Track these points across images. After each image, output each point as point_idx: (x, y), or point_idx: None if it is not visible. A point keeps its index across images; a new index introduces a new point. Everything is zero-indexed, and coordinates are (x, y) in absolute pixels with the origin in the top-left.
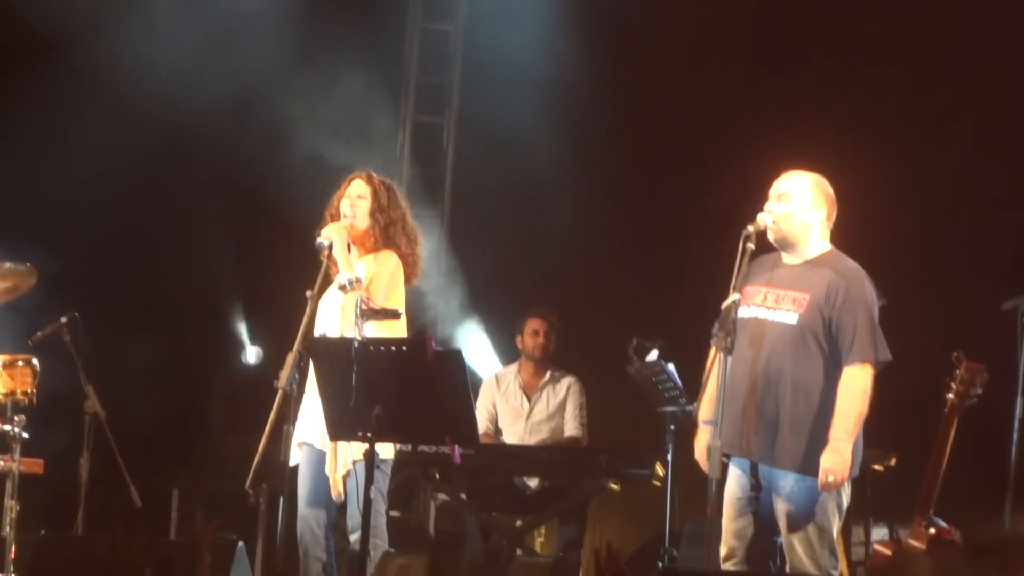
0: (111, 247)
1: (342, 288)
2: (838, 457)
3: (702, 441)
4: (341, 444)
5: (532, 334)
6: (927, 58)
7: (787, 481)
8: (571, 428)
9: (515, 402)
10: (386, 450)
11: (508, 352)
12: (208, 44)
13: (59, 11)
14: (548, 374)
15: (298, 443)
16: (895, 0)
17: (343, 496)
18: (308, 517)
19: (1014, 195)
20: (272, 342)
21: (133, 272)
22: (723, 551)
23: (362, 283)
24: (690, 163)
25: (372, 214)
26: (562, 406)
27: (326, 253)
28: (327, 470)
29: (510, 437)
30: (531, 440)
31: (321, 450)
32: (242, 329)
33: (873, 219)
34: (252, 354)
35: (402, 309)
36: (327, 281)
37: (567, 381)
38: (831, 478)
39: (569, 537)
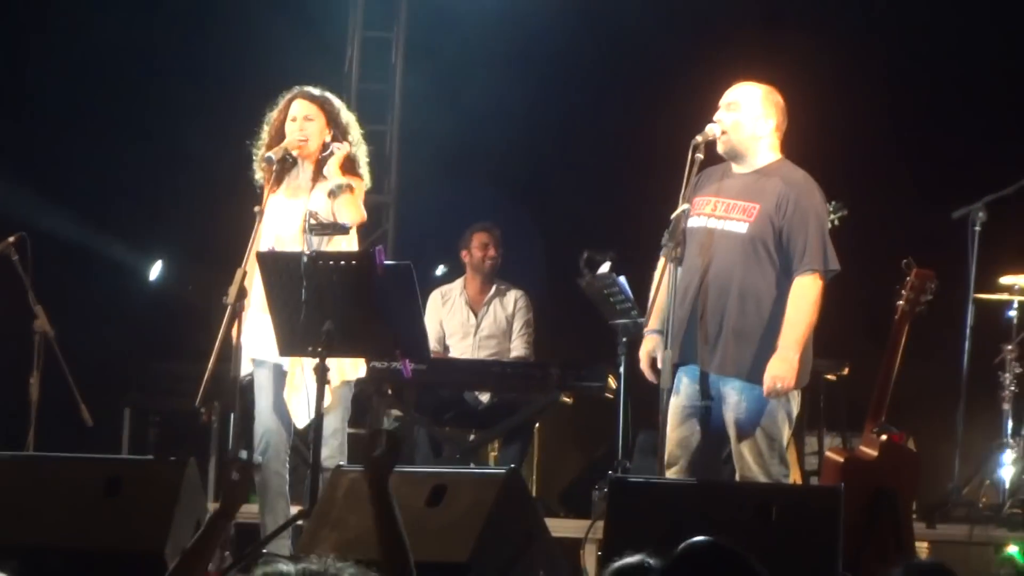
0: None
1: (331, 194)
2: (786, 365)
3: (645, 350)
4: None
5: (480, 247)
6: None
7: (735, 390)
8: (518, 348)
9: (462, 317)
10: (360, 368)
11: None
12: None
13: None
14: (494, 288)
15: (251, 359)
16: None
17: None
18: (272, 431)
19: (966, 103)
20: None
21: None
22: (666, 459)
23: (353, 188)
24: (641, 75)
25: (321, 132)
26: (509, 321)
27: (274, 168)
28: (284, 394)
29: (457, 353)
30: (479, 356)
31: (282, 367)
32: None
33: (825, 128)
34: (155, 270)
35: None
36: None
37: (514, 295)
38: (779, 385)
39: (513, 453)
